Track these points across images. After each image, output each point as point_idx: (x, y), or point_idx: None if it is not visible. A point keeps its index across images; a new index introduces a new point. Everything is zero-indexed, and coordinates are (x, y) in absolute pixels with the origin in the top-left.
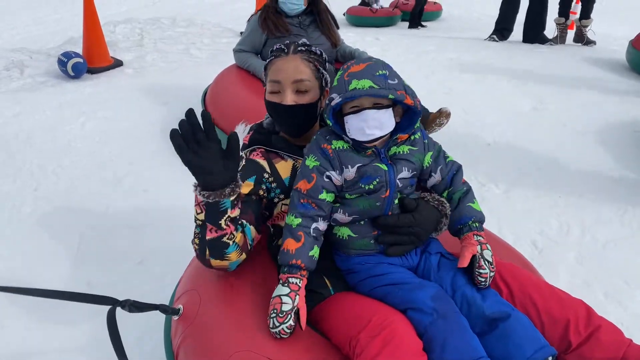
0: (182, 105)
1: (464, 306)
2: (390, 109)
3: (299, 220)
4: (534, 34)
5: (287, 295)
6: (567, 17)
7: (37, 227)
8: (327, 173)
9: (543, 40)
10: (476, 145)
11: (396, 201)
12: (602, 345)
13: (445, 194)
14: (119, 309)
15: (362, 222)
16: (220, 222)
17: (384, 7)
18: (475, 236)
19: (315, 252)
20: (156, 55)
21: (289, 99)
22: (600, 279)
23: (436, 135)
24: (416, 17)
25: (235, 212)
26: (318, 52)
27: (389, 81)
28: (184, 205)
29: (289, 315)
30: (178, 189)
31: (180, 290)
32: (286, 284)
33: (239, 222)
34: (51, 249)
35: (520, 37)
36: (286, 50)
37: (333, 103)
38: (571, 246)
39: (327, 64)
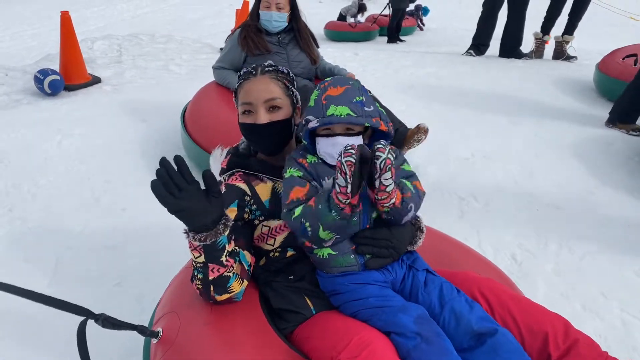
0: (161, 123)
1: (452, 321)
2: (361, 135)
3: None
4: (510, 49)
5: None
6: (546, 33)
7: (12, 248)
8: (312, 183)
9: (519, 55)
10: (455, 160)
11: (374, 215)
12: (581, 358)
13: None
14: (94, 325)
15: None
16: (221, 259)
17: (361, 22)
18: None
19: None
20: (135, 72)
21: (263, 117)
22: (578, 290)
23: (414, 151)
24: (394, 31)
25: (232, 245)
26: (285, 71)
27: (366, 108)
28: (163, 223)
29: None
30: (157, 207)
31: (159, 312)
32: None
33: (237, 252)
34: (27, 270)
35: (497, 52)
36: (254, 72)
37: (310, 126)
38: (549, 258)
39: (305, 80)
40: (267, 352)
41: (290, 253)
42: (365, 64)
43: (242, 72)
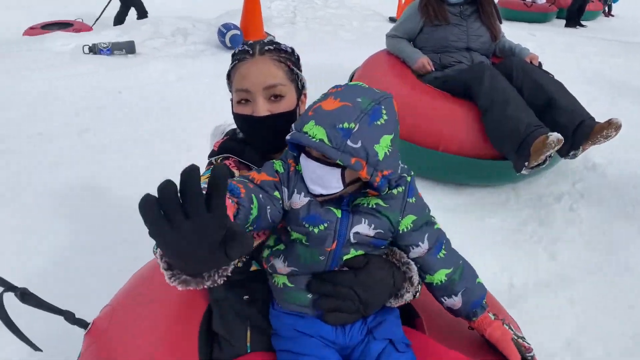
0: (327, 87)
1: None
2: (339, 170)
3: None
4: None
5: None
6: None
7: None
8: (275, 192)
9: None
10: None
11: (345, 257)
12: None
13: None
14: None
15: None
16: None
17: (537, 3)
18: (490, 315)
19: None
20: (306, 34)
21: (262, 108)
22: None
23: (594, 149)
24: (575, 15)
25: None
26: (289, 49)
27: (349, 142)
28: None
29: None
30: None
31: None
32: None
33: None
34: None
35: None
36: (251, 52)
37: (287, 136)
38: None
39: (482, 56)
40: None
41: (253, 267)
42: (542, 46)
43: (236, 50)
